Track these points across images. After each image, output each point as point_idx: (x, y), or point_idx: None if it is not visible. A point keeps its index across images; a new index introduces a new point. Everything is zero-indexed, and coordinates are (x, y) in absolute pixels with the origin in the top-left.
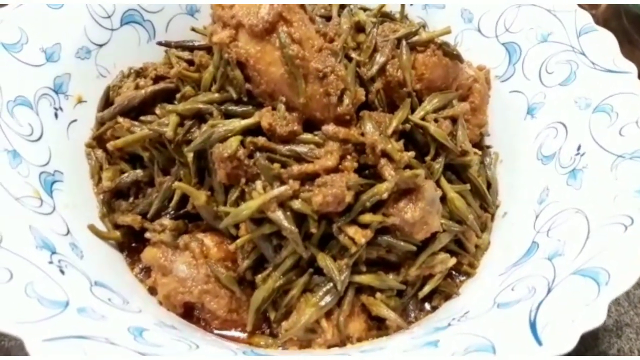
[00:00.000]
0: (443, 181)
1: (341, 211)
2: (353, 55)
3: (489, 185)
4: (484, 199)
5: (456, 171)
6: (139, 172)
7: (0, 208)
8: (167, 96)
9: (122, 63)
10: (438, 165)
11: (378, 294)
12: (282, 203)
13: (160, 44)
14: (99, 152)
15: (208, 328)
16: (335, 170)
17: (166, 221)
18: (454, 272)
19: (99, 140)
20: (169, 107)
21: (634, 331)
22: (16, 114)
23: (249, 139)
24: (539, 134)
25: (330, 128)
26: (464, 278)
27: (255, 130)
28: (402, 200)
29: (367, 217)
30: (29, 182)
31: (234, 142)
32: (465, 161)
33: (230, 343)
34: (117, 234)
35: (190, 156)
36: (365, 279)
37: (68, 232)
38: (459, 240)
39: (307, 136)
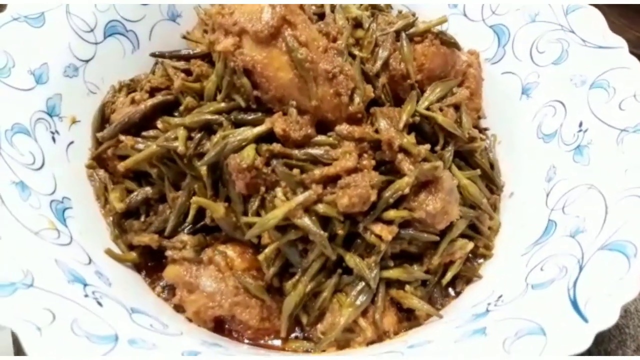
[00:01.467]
0: (454, 169)
1: (366, 210)
2: (355, 52)
3: (491, 167)
4: (492, 181)
5: (463, 157)
6: (149, 190)
7: (23, 245)
8: (167, 109)
9: (110, 77)
10: (448, 154)
11: (407, 287)
12: (307, 208)
13: (154, 55)
14: (101, 173)
15: (241, 339)
16: (354, 170)
17: (185, 237)
18: (470, 256)
19: (98, 160)
20: (176, 120)
21: None
22: (16, 143)
23: (264, 146)
24: (536, 113)
25: (344, 128)
26: (481, 261)
27: (267, 137)
28: (421, 193)
29: (391, 214)
30: (43, 214)
31: (250, 151)
32: (473, 147)
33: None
34: (134, 255)
35: (203, 169)
36: (393, 273)
37: (90, 260)
38: (472, 225)
39: (321, 138)
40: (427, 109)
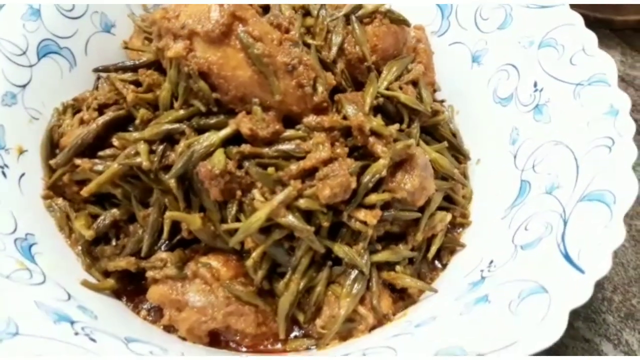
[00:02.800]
0: (422, 144)
1: (347, 198)
2: (309, 41)
3: (454, 138)
4: (458, 151)
5: (427, 132)
6: (115, 212)
7: None
8: (120, 124)
9: (50, 100)
10: (415, 130)
11: (397, 267)
12: (289, 205)
13: (97, 70)
14: (60, 201)
15: (239, 348)
16: (329, 160)
17: (164, 254)
18: (449, 227)
19: (54, 189)
20: (134, 135)
21: None
22: None
23: (234, 149)
24: (490, 79)
25: (312, 119)
26: (460, 230)
27: (233, 139)
28: (398, 173)
29: (373, 198)
30: (10, 255)
31: (219, 156)
32: (437, 120)
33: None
34: (111, 282)
35: (172, 182)
36: (382, 256)
37: (69, 296)
38: (447, 196)
39: (290, 133)
40: (387, 89)
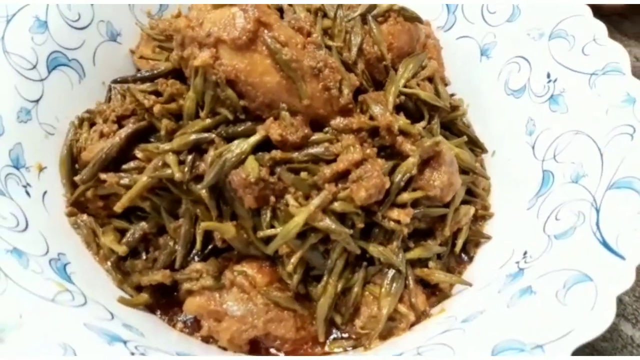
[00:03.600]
0: (444, 140)
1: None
2: (329, 43)
3: None
4: (476, 144)
5: (446, 127)
6: (144, 225)
7: (47, 317)
8: (140, 136)
9: (63, 113)
10: (436, 126)
11: (431, 263)
12: (324, 209)
13: (116, 82)
14: (85, 218)
15: (280, 354)
16: (360, 161)
17: (198, 265)
18: (471, 219)
19: (77, 205)
20: (164, 146)
21: None
22: None
23: (265, 156)
24: (500, 71)
25: (340, 121)
26: (481, 222)
27: (262, 145)
28: (426, 170)
29: (405, 197)
30: (48, 277)
31: (252, 163)
32: (456, 115)
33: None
34: (145, 296)
35: (204, 192)
36: (415, 253)
37: (112, 315)
38: (467, 189)
39: (319, 136)
40: (405, 86)
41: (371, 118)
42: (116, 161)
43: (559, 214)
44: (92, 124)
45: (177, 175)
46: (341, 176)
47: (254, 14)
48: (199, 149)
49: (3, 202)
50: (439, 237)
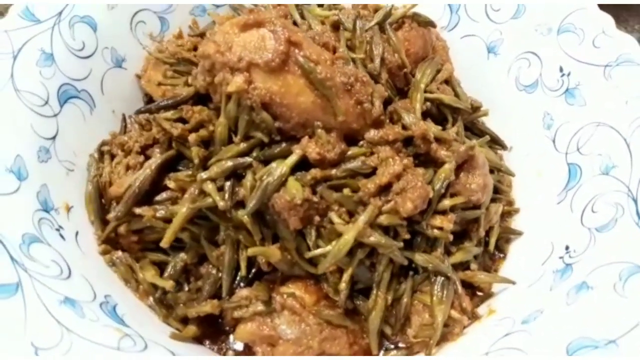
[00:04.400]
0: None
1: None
2: (352, 55)
3: None
4: (496, 141)
5: (466, 127)
6: (183, 256)
7: None
8: (169, 165)
9: (80, 148)
10: (461, 129)
11: (472, 265)
12: (371, 224)
13: (140, 112)
14: (120, 254)
15: None
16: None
17: (245, 292)
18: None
19: (109, 242)
20: (202, 175)
21: None
22: (35, 256)
23: (307, 176)
24: (509, 67)
25: (374, 134)
26: (507, 219)
27: (298, 165)
28: (461, 174)
29: (446, 203)
30: (105, 324)
31: (295, 185)
32: (479, 115)
33: None
34: (194, 328)
35: (246, 218)
36: (457, 257)
37: (172, 353)
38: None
39: (355, 151)
40: (425, 91)
41: (403, 127)
42: (147, 193)
43: (595, 207)
44: (112, 156)
45: (221, 204)
46: (383, 189)
47: (284, 34)
48: (235, 174)
49: (42, 249)
50: (475, 237)
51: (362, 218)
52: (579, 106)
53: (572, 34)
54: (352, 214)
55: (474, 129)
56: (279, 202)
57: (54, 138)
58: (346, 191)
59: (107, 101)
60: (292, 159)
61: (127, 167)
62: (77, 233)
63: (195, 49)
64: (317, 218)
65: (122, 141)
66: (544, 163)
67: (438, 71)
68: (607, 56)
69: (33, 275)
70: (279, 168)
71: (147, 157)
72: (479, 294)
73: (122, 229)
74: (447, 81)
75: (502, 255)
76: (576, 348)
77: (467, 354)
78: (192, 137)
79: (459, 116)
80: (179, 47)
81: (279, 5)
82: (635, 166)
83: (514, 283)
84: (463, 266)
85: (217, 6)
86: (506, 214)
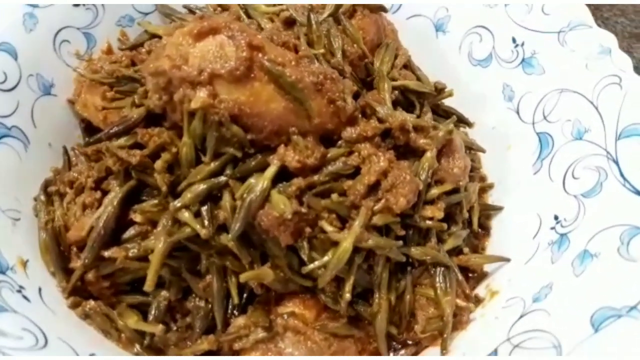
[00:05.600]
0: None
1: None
2: (313, 51)
3: None
4: (460, 120)
5: (432, 110)
6: (165, 294)
7: None
8: (131, 196)
9: (22, 192)
10: (429, 113)
11: (465, 249)
12: (366, 227)
13: (89, 143)
14: (92, 304)
15: None
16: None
17: (241, 320)
18: None
19: (76, 292)
20: (175, 203)
21: None
22: (4, 329)
23: (291, 186)
24: (460, 44)
25: (351, 132)
26: (484, 195)
27: (278, 176)
28: (441, 160)
29: (434, 192)
30: None
31: (280, 199)
32: (444, 97)
33: None
34: None
35: (231, 243)
36: (450, 243)
37: None
38: None
39: (333, 152)
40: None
41: (379, 120)
42: (112, 232)
43: (576, 173)
44: (61, 195)
45: (204, 232)
46: (371, 189)
47: (244, 39)
48: (210, 196)
49: (9, 319)
50: (459, 220)
51: (357, 222)
52: (538, 75)
53: (520, 4)
54: (343, 219)
55: (439, 111)
56: (266, 220)
57: None
58: (334, 196)
59: (41, 135)
60: (271, 171)
61: (84, 206)
62: (39, 290)
63: (133, 64)
64: (307, 229)
65: (70, 178)
66: (512, 135)
67: (396, 57)
68: (558, 22)
69: (8, 352)
70: (260, 183)
71: (104, 192)
72: (471, 275)
73: (90, 276)
74: (406, 65)
75: (484, 232)
76: (600, 320)
77: (485, 342)
78: (158, 165)
79: (425, 100)
80: (114, 65)
81: (219, 6)
82: (608, 128)
83: (509, 260)
84: (455, 251)
85: (146, 14)
86: (481, 190)
